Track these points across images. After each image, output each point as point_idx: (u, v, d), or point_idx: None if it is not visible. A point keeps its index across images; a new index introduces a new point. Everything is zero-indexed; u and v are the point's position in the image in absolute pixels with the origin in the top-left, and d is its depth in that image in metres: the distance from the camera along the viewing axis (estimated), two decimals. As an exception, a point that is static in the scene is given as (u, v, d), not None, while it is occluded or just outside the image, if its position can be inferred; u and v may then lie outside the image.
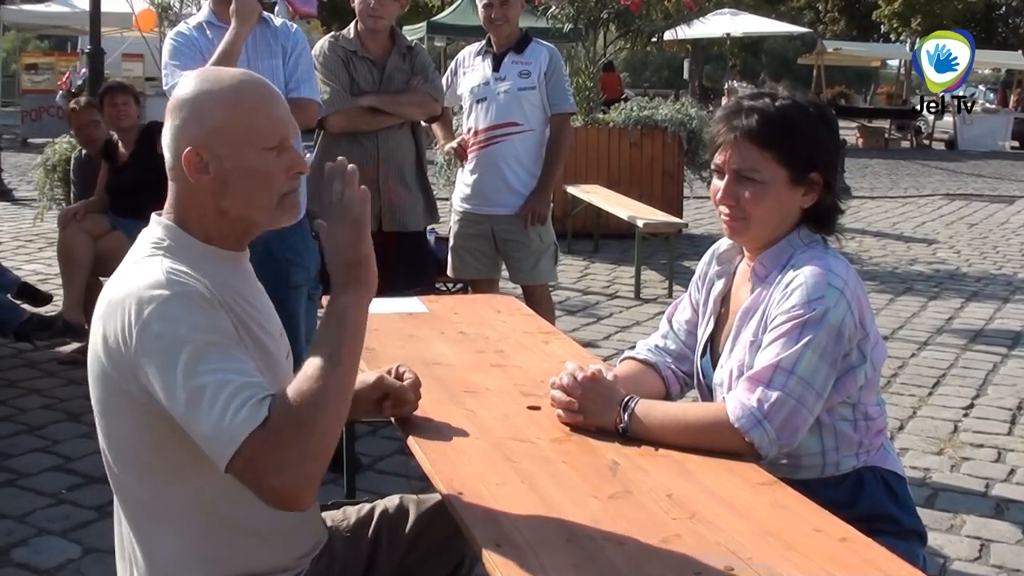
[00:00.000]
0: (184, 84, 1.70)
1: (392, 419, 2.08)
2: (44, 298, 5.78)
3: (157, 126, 5.23)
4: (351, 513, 2.04)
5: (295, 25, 3.87)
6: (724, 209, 2.02)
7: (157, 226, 1.70)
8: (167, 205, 1.71)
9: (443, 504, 1.97)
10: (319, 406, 1.48)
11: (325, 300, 1.66)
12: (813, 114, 2.00)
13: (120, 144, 5.55)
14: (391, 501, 2.07)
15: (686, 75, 28.21)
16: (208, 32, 3.62)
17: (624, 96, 14.09)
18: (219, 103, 1.64)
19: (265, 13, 3.78)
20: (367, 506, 2.06)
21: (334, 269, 1.61)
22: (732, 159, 1.99)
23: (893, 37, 31.51)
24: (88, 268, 5.32)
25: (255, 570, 1.73)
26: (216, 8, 3.64)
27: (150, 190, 5.85)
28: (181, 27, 3.73)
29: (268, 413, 1.46)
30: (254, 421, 1.45)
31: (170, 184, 1.71)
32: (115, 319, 1.56)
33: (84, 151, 6.00)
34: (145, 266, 1.61)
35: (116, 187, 5.46)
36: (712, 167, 2.06)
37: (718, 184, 2.03)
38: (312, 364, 1.52)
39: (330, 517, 2.02)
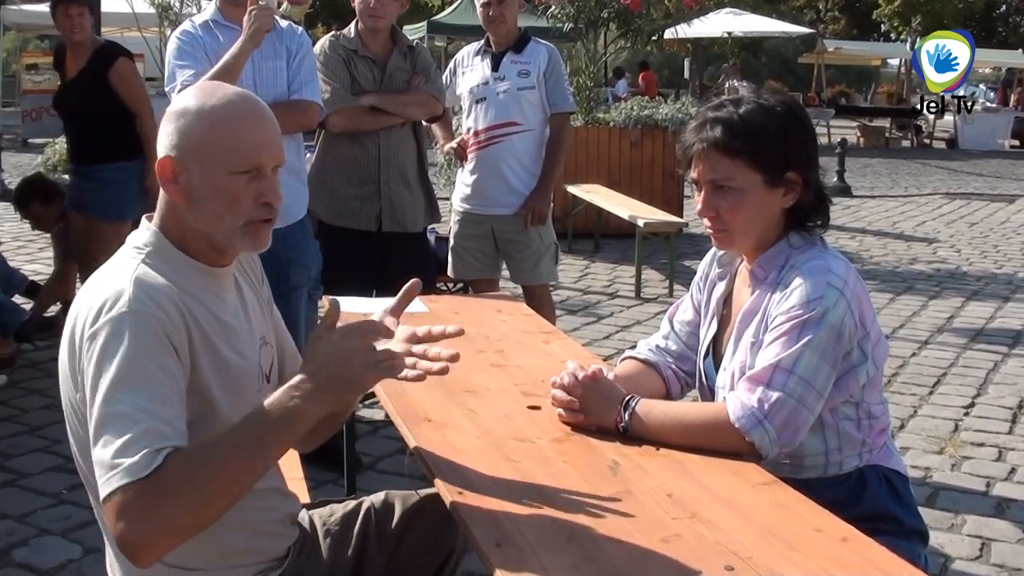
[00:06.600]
0: (181, 96, 1.71)
1: (393, 419, 2.08)
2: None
3: (112, 49, 5.17)
4: (337, 509, 2.06)
5: (300, 27, 3.86)
6: (707, 222, 2.04)
7: (145, 230, 1.71)
8: (156, 210, 1.72)
9: (427, 499, 1.99)
10: (202, 488, 1.42)
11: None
12: (780, 113, 1.99)
13: (71, 56, 5.18)
14: (376, 497, 2.09)
15: (687, 75, 28.18)
16: (214, 31, 3.60)
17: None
18: (200, 119, 1.64)
19: None
20: (352, 502, 2.08)
21: (329, 376, 1.50)
22: (705, 171, 2.01)
23: (893, 36, 31.47)
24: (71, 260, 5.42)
25: (228, 563, 1.75)
26: (222, 7, 3.62)
27: (100, 130, 5.42)
28: (186, 26, 3.67)
29: (159, 466, 1.41)
30: (139, 472, 1.40)
31: (160, 190, 1.71)
32: (80, 316, 1.56)
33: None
34: (119, 271, 1.61)
35: (61, 103, 5.30)
36: (691, 180, 2.07)
37: (699, 197, 2.04)
38: (230, 437, 1.47)
39: (317, 514, 2.04)
